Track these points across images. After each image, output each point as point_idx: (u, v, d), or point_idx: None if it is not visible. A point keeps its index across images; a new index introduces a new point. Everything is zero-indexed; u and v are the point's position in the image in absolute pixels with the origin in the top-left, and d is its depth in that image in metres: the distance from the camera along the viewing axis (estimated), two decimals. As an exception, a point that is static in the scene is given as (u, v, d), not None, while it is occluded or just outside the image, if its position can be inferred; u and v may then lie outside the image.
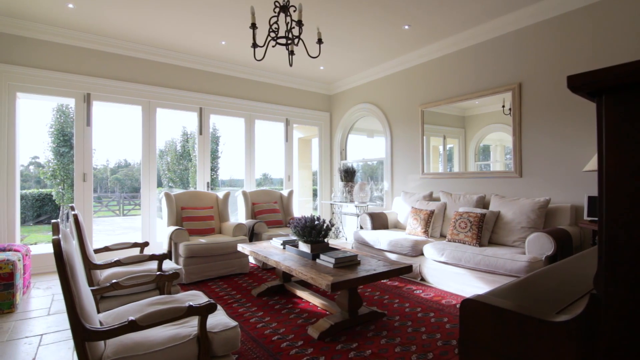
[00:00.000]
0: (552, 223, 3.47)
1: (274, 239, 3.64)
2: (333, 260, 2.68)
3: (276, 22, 2.95)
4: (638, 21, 3.11)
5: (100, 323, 1.70)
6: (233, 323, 1.72)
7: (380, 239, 4.27)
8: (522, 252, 3.16)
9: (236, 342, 1.69)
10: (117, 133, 19.93)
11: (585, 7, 3.44)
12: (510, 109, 4.08)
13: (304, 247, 3.05)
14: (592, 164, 3.07)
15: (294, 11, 3.04)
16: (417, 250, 3.84)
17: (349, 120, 6.61)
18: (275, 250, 3.34)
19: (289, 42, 3.01)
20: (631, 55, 3.13)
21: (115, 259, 2.56)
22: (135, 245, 3.13)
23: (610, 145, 0.72)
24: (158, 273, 2.18)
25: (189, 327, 1.67)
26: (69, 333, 2.60)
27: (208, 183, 5.50)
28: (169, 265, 2.91)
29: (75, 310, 1.30)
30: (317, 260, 2.87)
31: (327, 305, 2.90)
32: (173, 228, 3.93)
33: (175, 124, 13.01)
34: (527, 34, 3.89)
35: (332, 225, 3.18)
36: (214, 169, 11.39)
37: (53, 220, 1.51)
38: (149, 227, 4.96)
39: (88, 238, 3.72)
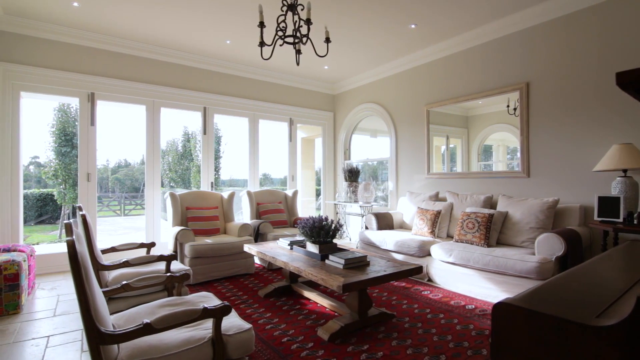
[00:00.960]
0: (560, 223, 3.45)
1: (280, 239, 3.61)
2: (343, 261, 2.65)
3: (284, 21, 2.92)
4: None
5: (113, 326, 1.67)
6: (247, 325, 1.70)
7: (387, 239, 4.24)
8: (532, 252, 3.13)
9: (250, 344, 1.66)
10: (117, 133, 19.87)
11: (592, 6, 3.42)
12: (515, 109, 4.05)
13: (312, 248, 3.02)
14: (603, 163, 3.04)
15: (302, 10, 3.02)
16: (424, 251, 3.81)
17: (352, 120, 6.58)
18: (282, 250, 3.31)
19: (297, 40, 2.98)
20: (642, 55, 3.11)
21: (122, 260, 2.54)
22: (142, 245, 3.10)
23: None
24: (168, 274, 2.15)
25: (203, 329, 1.64)
26: (76, 335, 2.57)
27: (212, 183, 5.47)
28: (176, 266, 2.88)
29: (90, 313, 1.27)
30: (326, 261, 2.84)
31: (335, 307, 2.88)
32: (178, 228, 3.90)
33: (176, 123, 12.96)
34: (535, 33, 3.87)
35: (341, 225, 3.16)
36: (215, 168, 11.36)
37: (65, 221, 1.49)
38: (153, 227, 4.93)
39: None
